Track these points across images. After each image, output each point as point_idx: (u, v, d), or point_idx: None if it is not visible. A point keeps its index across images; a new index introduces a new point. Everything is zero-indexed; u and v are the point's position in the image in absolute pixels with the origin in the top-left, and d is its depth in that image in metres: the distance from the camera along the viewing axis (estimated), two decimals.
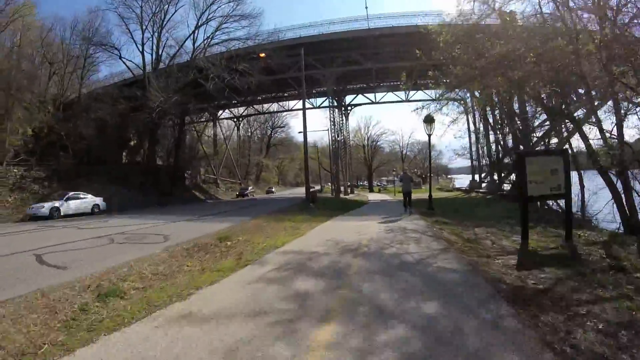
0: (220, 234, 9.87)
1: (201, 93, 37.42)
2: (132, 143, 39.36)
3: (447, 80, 11.66)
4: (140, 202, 27.51)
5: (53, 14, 72.75)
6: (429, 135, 16.31)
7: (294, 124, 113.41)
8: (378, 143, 70.58)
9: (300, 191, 42.77)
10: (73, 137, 30.54)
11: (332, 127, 35.49)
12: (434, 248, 7.15)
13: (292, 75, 34.09)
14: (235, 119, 54.07)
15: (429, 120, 15.96)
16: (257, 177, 62.83)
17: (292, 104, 51.75)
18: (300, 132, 69.99)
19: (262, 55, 22.76)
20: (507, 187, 33.97)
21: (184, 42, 34.52)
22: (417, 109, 15.63)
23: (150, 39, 34.05)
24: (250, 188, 52.69)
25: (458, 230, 9.33)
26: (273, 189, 56.58)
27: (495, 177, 38.15)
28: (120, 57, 33.87)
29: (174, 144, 36.77)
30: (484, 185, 42.35)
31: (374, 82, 37.53)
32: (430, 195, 16.87)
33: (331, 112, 35.38)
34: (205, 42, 34.41)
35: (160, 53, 33.97)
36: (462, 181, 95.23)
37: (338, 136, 43.59)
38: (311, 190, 38.52)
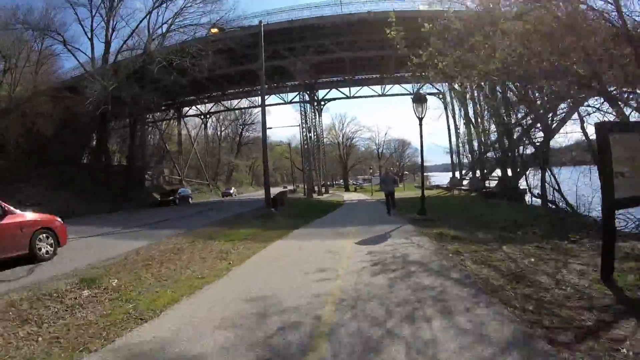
0: (92, 273, 6.09)
1: (161, 88, 34.10)
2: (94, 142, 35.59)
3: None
4: (86, 208, 23.95)
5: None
6: (420, 119, 12.84)
7: (269, 120, 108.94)
8: (353, 140, 68.39)
9: (274, 192, 40.00)
10: (16, 136, 26.71)
11: (304, 122, 32.74)
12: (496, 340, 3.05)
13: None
14: (202, 116, 50.54)
15: (419, 99, 12.96)
16: (228, 178, 59.38)
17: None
18: (269, 128, 67.18)
19: (215, 30, 19.71)
20: (490, 183, 32.51)
21: (136, 27, 30.95)
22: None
23: (105, 26, 30.44)
24: (232, 189, 50.02)
25: (483, 254, 6.05)
26: (231, 191, 48.42)
27: (478, 173, 36.58)
28: (65, 44, 29.95)
29: (129, 143, 33.16)
30: (465, 182, 40.75)
31: (348, 75, 35.15)
32: (423, 197, 13.48)
33: (302, 107, 32.72)
34: (162, 27, 31.04)
35: (109, 40, 30.34)
36: (439, 179, 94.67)
37: (311, 133, 40.98)
38: (283, 190, 35.78)
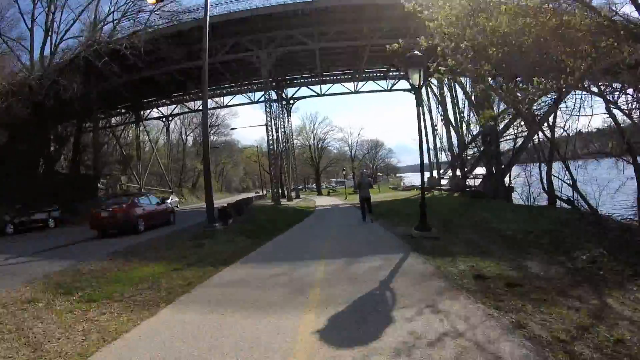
0: None
1: (115, 89, 30.64)
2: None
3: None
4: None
5: None
6: (417, 88, 9.12)
7: (237, 124, 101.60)
8: (325, 142, 66.02)
9: (242, 198, 36.98)
10: None
11: (271, 121, 29.99)
12: None
13: (222, 59, 28.37)
14: (164, 119, 46.91)
15: (416, 62, 8.56)
16: (194, 185, 55.76)
17: (228, 100, 45.70)
18: (233, 129, 63.04)
19: (153, 0, 16.65)
20: (475, 182, 30.77)
21: (80, 15, 27.46)
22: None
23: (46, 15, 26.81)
24: (172, 198, 45.19)
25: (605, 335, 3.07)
26: (171, 200, 31.80)
27: (458, 172, 34.95)
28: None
29: (72, 149, 29.49)
30: (444, 182, 39.14)
31: (319, 69, 32.74)
32: (423, 204, 8.95)
33: (268, 104, 29.86)
34: (113, 14, 27.68)
35: (48, 28, 26.70)
36: (411, 179, 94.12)
37: (278, 133, 38.33)
38: (246, 197, 32.78)
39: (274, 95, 38.79)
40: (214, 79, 38.07)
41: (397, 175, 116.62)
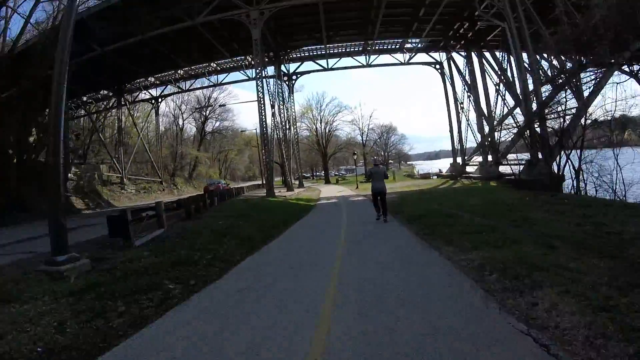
0: None
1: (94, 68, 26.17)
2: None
3: None
4: None
5: None
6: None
7: (234, 106, 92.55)
8: (334, 124, 59.94)
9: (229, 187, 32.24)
10: None
11: (263, 96, 24.76)
12: None
13: (205, 19, 23.23)
14: (152, 101, 42.11)
15: None
16: (190, 174, 51.27)
17: (223, 77, 40.80)
18: (223, 105, 57.29)
19: None
20: (512, 168, 25.50)
21: None
22: None
23: None
24: (223, 182, 41.82)
25: None
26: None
27: (490, 157, 29.68)
28: None
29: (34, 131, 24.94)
30: (470, 169, 33.98)
31: (324, 34, 27.57)
32: None
33: (261, 76, 24.55)
34: None
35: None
36: (423, 166, 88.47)
37: (280, 115, 33.36)
38: (239, 186, 28.03)
39: (271, 72, 33.76)
40: (203, 52, 33.23)
41: (408, 163, 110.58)
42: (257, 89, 24.10)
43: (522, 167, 22.86)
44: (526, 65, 21.75)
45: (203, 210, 14.08)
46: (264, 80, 25.52)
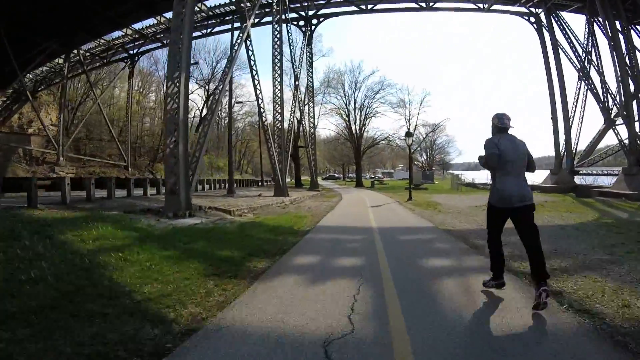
0: None
1: None
2: None
3: None
4: None
5: None
6: None
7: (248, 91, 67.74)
8: (372, 108, 43.28)
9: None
10: None
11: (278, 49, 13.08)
12: None
13: None
14: (127, 60, 31.18)
15: None
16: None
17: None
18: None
19: None
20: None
21: None
22: None
23: None
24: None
25: None
26: None
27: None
28: None
29: None
30: (581, 179, 21.41)
31: None
32: None
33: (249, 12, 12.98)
34: None
35: None
36: (465, 176, 67.66)
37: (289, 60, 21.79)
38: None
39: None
40: None
41: (449, 171, 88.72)
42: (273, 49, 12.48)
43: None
44: None
45: None
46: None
